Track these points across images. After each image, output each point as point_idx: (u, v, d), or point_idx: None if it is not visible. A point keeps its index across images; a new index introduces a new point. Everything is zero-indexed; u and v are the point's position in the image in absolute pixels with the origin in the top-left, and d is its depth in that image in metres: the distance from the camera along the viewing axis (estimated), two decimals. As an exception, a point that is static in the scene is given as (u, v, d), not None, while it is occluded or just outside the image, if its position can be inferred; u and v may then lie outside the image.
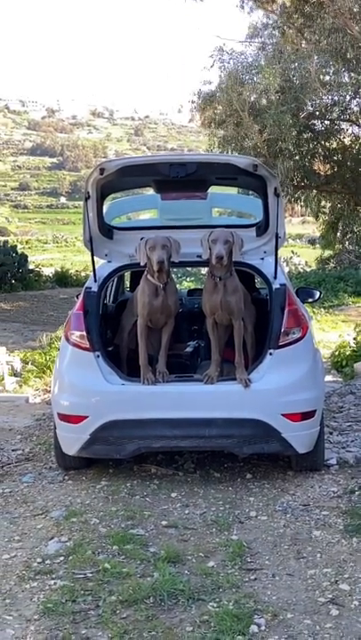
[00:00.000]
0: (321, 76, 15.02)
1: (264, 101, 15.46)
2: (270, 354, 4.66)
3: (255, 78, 15.67)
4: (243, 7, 17.43)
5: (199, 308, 6.58)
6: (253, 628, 3.01)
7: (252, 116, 15.13)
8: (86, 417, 4.62)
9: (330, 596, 3.29)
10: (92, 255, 4.93)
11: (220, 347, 4.89)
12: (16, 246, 22.49)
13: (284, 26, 17.18)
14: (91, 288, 4.95)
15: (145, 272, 4.87)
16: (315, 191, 19.52)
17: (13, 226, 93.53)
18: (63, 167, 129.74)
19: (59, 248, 64.07)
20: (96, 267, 5.01)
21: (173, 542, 3.89)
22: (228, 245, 4.61)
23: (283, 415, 4.56)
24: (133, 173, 4.88)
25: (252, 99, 15.63)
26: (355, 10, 14.60)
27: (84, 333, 4.74)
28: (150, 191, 5.83)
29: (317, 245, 27.25)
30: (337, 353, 9.35)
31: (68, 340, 4.83)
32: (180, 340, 5.87)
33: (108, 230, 5.15)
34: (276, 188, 4.64)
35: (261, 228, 5.07)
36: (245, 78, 16.00)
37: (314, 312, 13.16)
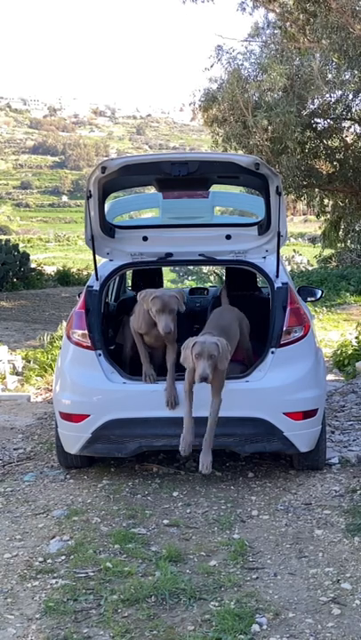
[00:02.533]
0: (323, 75, 14.99)
1: (268, 99, 15.43)
2: (272, 352, 4.65)
3: (260, 76, 15.64)
4: (244, 9, 17.37)
5: (200, 307, 6.59)
6: (255, 628, 3.00)
7: (256, 113, 15.11)
8: (88, 415, 4.62)
9: (332, 595, 3.28)
10: (94, 254, 4.92)
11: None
12: (18, 245, 22.50)
13: (287, 23, 17.13)
14: (92, 286, 4.95)
15: (142, 298, 4.72)
16: (317, 190, 19.51)
17: (15, 224, 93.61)
18: (65, 166, 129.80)
19: (60, 247, 64.11)
20: (98, 265, 5.01)
21: (175, 541, 3.89)
22: (213, 361, 4.23)
23: (285, 414, 4.56)
24: (135, 172, 4.86)
25: (256, 97, 15.61)
26: (357, 8, 14.56)
27: (86, 332, 4.74)
28: (152, 190, 5.82)
29: (318, 244, 27.22)
30: (339, 352, 9.33)
31: (69, 338, 4.83)
32: (181, 338, 5.86)
33: (109, 229, 5.14)
34: (277, 187, 4.62)
35: (263, 226, 5.06)
36: (250, 76, 15.98)
37: (316, 311, 13.15)
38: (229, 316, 4.99)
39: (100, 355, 4.71)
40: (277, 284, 4.83)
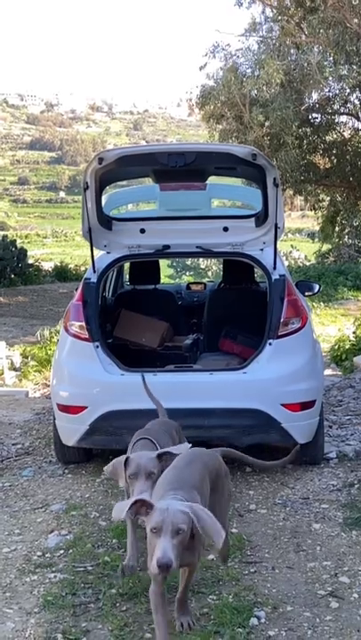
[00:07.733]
0: (321, 69, 14.97)
1: (265, 95, 15.41)
2: (270, 344, 4.63)
3: (257, 72, 15.61)
4: (240, 4, 17.31)
5: (198, 302, 6.58)
6: (253, 621, 2.99)
7: (254, 109, 15.09)
8: (85, 407, 4.60)
9: (329, 588, 3.27)
10: (92, 246, 4.89)
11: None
12: (15, 241, 22.40)
13: (284, 18, 17.09)
14: (90, 279, 4.92)
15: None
16: (313, 185, 19.50)
17: (12, 220, 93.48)
18: (62, 161, 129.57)
19: (58, 242, 64.05)
20: (95, 258, 4.98)
21: (173, 535, 3.86)
22: (180, 537, 2.55)
23: (282, 405, 4.54)
24: (132, 163, 4.83)
25: (254, 92, 15.58)
26: (354, 3, 14.53)
27: (84, 324, 4.71)
28: (150, 182, 5.80)
29: (317, 239, 27.20)
30: (336, 347, 9.32)
31: (67, 330, 4.81)
32: (180, 332, 5.87)
33: (107, 221, 5.11)
34: (275, 178, 4.58)
35: (260, 218, 5.04)
36: (247, 72, 15.96)
37: (313, 306, 13.13)
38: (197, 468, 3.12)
39: (97, 346, 4.69)
40: (275, 276, 4.80)
